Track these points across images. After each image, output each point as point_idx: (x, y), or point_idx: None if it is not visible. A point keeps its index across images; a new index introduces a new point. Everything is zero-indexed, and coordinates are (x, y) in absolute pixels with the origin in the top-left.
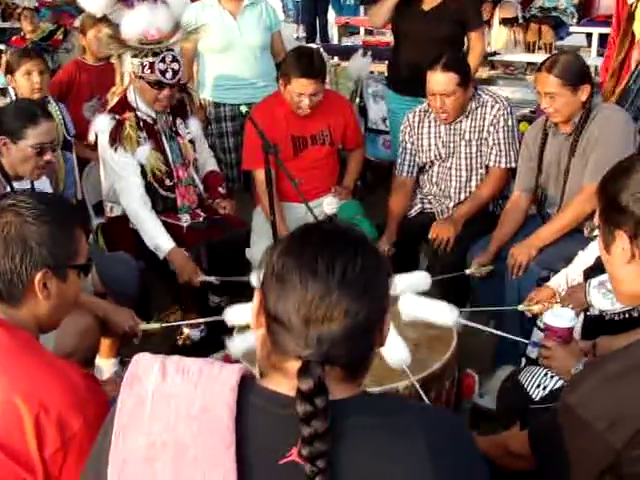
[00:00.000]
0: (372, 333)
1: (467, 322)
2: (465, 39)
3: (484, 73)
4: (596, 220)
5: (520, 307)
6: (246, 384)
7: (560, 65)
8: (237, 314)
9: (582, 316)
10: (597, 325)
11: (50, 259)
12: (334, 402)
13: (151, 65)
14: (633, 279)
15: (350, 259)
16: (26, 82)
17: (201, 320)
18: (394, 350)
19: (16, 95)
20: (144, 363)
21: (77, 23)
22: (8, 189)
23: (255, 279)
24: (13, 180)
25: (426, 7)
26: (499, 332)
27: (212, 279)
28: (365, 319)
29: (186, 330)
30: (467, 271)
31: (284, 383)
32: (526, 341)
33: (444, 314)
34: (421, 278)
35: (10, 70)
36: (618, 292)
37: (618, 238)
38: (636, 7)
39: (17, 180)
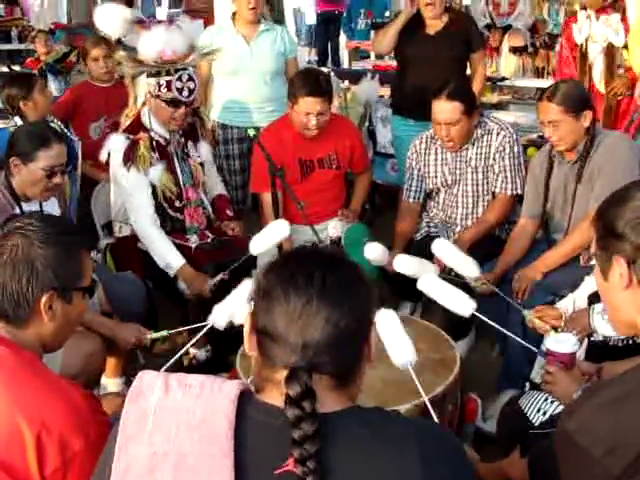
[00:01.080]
0: (356, 343)
1: (478, 315)
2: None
3: (493, 98)
4: (593, 248)
5: (525, 312)
6: (245, 397)
7: (561, 93)
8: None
9: (586, 341)
10: (601, 351)
11: (56, 281)
12: (325, 414)
13: (168, 83)
14: (630, 305)
15: (328, 271)
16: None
17: (204, 325)
18: (400, 348)
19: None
20: (148, 379)
21: None
22: (17, 210)
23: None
24: (22, 201)
25: (431, 31)
26: (509, 333)
27: (220, 276)
28: (347, 327)
29: (192, 350)
30: (472, 283)
31: (277, 395)
32: (535, 349)
33: (461, 303)
34: (430, 267)
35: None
36: (615, 321)
37: (616, 264)
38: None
39: (26, 201)
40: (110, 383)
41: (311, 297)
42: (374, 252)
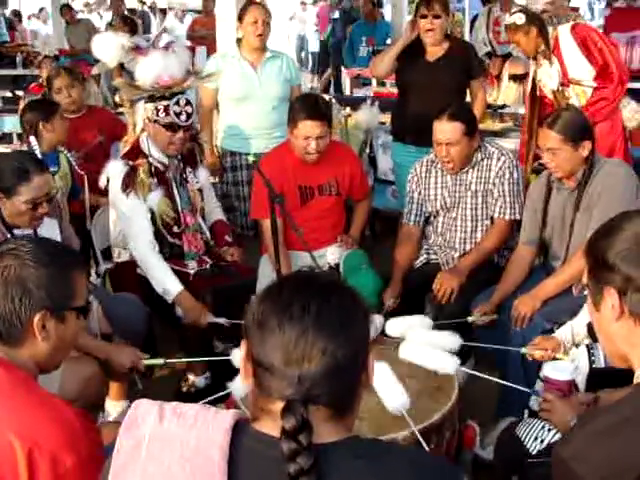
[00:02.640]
0: (354, 372)
1: (469, 371)
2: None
3: (494, 125)
4: (584, 279)
5: (523, 350)
6: (240, 427)
7: (561, 121)
8: None
9: (587, 369)
10: (602, 378)
11: (49, 301)
12: (321, 445)
13: (166, 108)
14: (622, 336)
15: (324, 300)
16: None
17: (204, 359)
18: (393, 395)
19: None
20: (142, 408)
21: (94, 71)
22: (9, 237)
23: None
24: (14, 228)
25: (430, 58)
26: (502, 381)
27: (222, 320)
28: (344, 358)
29: (191, 377)
30: (469, 318)
31: (272, 425)
32: (528, 390)
33: (444, 362)
34: (420, 322)
35: None
36: (609, 352)
37: (607, 295)
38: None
39: (18, 228)
40: (114, 406)
41: (307, 328)
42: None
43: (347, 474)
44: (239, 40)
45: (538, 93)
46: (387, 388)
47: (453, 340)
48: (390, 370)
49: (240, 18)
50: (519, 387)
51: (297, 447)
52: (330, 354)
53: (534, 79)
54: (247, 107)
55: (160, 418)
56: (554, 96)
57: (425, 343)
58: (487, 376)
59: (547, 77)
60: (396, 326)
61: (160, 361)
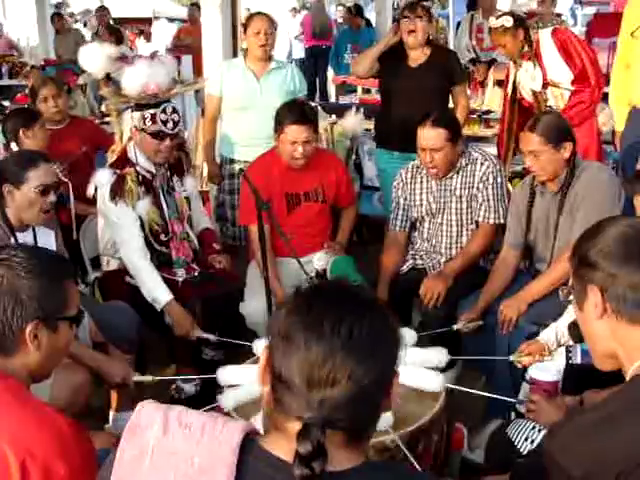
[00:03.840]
0: (377, 398)
1: (454, 387)
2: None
3: (479, 131)
4: (571, 280)
5: (511, 357)
6: (247, 445)
7: (542, 124)
8: (230, 375)
9: (564, 365)
10: (579, 375)
11: (41, 311)
12: (334, 473)
13: (153, 116)
14: (606, 335)
15: (357, 321)
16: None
17: (194, 377)
18: None
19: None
20: (146, 413)
21: (81, 81)
22: (12, 240)
23: (258, 347)
24: (17, 230)
25: (413, 64)
26: (486, 394)
27: (211, 336)
28: (369, 384)
29: (180, 384)
30: (455, 326)
31: (284, 444)
32: (513, 400)
33: (430, 381)
34: (406, 335)
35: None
36: (594, 352)
37: (590, 293)
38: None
39: (20, 231)
40: (116, 417)
41: (335, 349)
42: None
43: None
44: (246, 51)
45: (518, 96)
46: None
47: (440, 356)
48: None
49: (245, 29)
50: (502, 397)
51: (310, 474)
52: (357, 380)
53: (514, 82)
54: (248, 116)
55: (164, 428)
56: (535, 97)
57: (412, 362)
58: (473, 390)
59: (530, 79)
60: None
61: (149, 378)
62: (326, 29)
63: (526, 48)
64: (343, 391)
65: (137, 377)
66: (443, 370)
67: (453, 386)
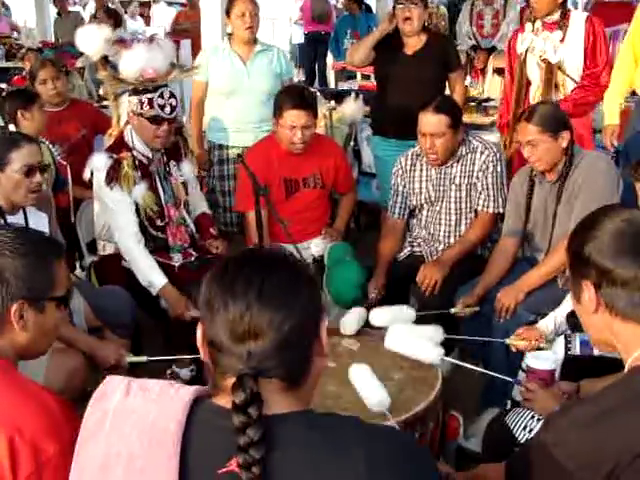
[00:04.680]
0: (304, 343)
1: (453, 360)
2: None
3: (478, 119)
4: (567, 272)
5: (507, 340)
6: (199, 402)
7: (538, 114)
8: None
9: (562, 356)
10: (576, 366)
11: (26, 291)
12: (272, 416)
13: (150, 101)
14: (602, 328)
15: (266, 274)
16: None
17: (188, 357)
18: (372, 393)
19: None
20: (112, 383)
21: (79, 64)
22: (2, 222)
23: None
24: (7, 213)
25: (409, 51)
26: (485, 371)
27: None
28: (290, 329)
29: (176, 369)
30: (452, 310)
31: (227, 399)
32: (510, 379)
33: (429, 352)
34: (403, 311)
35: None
36: (594, 340)
37: (585, 288)
38: (525, 57)
39: (11, 214)
40: None
41: (250, 303)
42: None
43: (299, 445)
44: (230, 35)
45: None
46: (367, 388)
47: (436, 333)
48: (370, 370)
49: (228, 12)
50: (502, 376)
51: (247, 420)
52: (276, 327)
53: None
54: (236, 101)
55: (126, 392)
56: (547, 69)
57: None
58: (471, 366)
59: (551, 48)
60: (380, 316)
61: (143, 359)
62: (325, 15)
63: (556, 16)
64: (267, 341)
65: (131, 358)
66: None
67: (455, 360)
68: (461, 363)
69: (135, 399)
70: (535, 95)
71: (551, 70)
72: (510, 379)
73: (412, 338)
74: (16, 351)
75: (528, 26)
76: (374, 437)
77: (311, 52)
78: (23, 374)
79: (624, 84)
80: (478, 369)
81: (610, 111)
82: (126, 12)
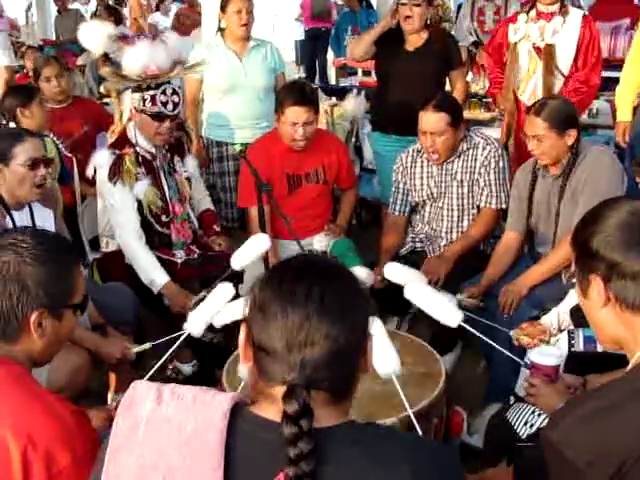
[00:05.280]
0: (354, 357)
1: (468, 327)
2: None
3: (480, 114)
4: (572, 267)
5: (512, 332)
6: (238, 411)
7: (548, 109)
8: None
9: (566, 352)
10: (580, 362)
11: (46, 299)
12: (320, 430)
13: (152, 98)
14: (610, 322)
15: (327, 285)
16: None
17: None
18: (385, 360)
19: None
20: (141, 389)
21: (79, 61)
22: (8, 219)
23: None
24: (12, 209)
25: (410, 47)
26: (495, 345)
27: (202, 294)
28: (346, 343)
29: (178, 364)
30: (457, 296)
31: (272, 409)
32: (520, 360)
33: (449, 313)
34: (419, 276)
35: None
36: (600, 337)
37: (593, 282)
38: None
39: (17, 209)
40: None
41: (310, 313)
42: (359, 275)
43: (344, 459)
44: (222, 30)
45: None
46: (379, 351)
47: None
48: (384, 331)
49: (223, 8)
50: (511, 356)
51: (298, 431)
52: (333, 339)
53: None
54: (233, 97)
55: (158, 400)
56: (546, 51)
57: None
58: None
59: (550, 33)
60: (396, 271)
61: (147, 345)
62: (326, 11)
63: (555, 7)
64: (321, 351)
65: (135, 348)
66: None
67: (464, 325)
68: (475, 332)
69: (168, 407)
70: (536, 83)
71: (550, 52)
72: (520, 360)
73: (434, 293)
74: (30, 358)
75: (522, 17)
76: (419, 452)
77: (311, 48)
78: (37, 381)
79: (636, 80)
80: (488, 340)
81: (622, 108)
82: (158, 9)
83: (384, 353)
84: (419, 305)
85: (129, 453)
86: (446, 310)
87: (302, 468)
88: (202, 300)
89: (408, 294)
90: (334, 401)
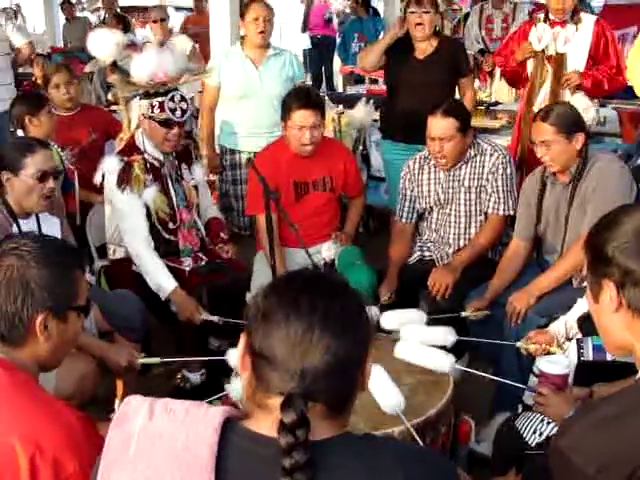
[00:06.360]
0: (353, 373)
1: (464, 368)
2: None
3: (487, 122)
4: (585, 271)
5: (518, 344)
6: (230, 425)
7: (554, 114)
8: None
9: (575, 361)
10: (590, 371)
11: (51, 301)
12: (316, 442)
13: (161, 104)
14: (620, 328)
15: (332, 299)
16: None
17: (200, 359)
18: (387, 395)
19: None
20: (134, 404)
21: (87, 69)
22: (14, 227)
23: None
24: (19, 218)
25: (420, 56)
26: (496, 377)
27: (215, 318)
28: (346, 357)
29: (186, 373)
30: (463, 313)
31: (267, 422)
32: (523, 386)
33: (440, 361)
34: (414, 314)
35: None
36: (607, 342)
37: (606, 287)
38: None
39: (23, 218)
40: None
41: (313, 324)
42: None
43: (339, 470)
44: (243, 38)
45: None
46: (382, 389)
47: (448, 335)
48: (384, 372)
49: (242, 16)
50: (513, 383)
51: (294, 441)
52: (334, 352)
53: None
54: (248, 105)
55: (150, 414)
56: (556, 60)
57: (420, 340)
58: (484, 374)
59: (562, 40)
60: (391, 319)
61: (156, 360)
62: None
63: (567, 15)
64: (321, 363)
65: (143, 359)
66: None
67: (467, 369)
68: (472, 371)
69: (160, 422)
70: (547, 92)
71: (560, 62)
72: (521, 386)
73: (423, 347)
74: (37, 362)
75: (541, 25)
76: (415, 463)
77: (318, 56)
78: (43, 388)
79: None
80: (488, 376)
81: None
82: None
83: (386, 391)
84: (411, 361)
85: (121, 469)
86: (437, 359)
87: (297, 479)
88: (211, 325)
89: (399, 354)
90: (331, 415)
